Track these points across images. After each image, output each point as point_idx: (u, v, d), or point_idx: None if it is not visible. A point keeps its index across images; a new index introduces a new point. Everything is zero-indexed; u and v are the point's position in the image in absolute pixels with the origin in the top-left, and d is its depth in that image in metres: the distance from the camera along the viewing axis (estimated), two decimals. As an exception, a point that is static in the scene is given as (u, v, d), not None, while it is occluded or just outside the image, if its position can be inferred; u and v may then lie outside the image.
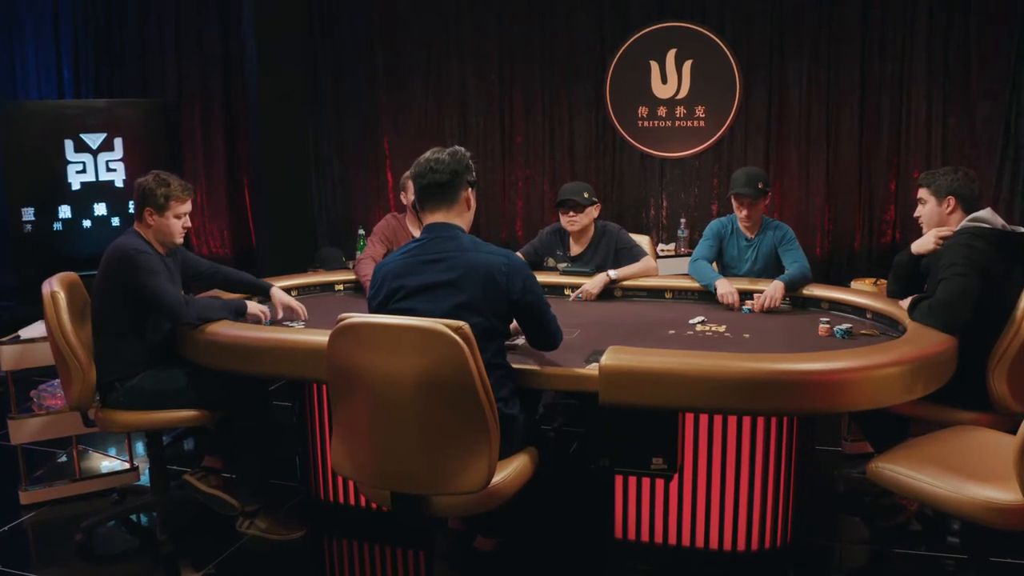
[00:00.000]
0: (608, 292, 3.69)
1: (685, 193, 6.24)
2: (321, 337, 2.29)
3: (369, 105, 6.68)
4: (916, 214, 3.14)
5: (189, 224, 3.14)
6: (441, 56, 6.53)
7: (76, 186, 6.04)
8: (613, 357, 2.38)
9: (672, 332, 3.06)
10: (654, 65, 6.14)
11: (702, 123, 6.14)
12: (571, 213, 3.79)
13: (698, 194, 6.22)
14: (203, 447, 3.78)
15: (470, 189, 2.45)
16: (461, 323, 2.06)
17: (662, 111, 6.19)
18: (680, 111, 6.16)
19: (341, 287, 3.93)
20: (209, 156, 6.99)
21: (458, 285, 2.30)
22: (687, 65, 6.09)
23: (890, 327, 3.02)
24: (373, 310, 2.42)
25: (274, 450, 3.22)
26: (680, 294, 3.64)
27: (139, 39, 7.01)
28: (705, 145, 6.14)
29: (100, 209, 6.13)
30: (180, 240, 3.14)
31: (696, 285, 3.62)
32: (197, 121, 6.96)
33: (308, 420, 3.22)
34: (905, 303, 2.96)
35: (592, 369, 2.44)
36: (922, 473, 2.17)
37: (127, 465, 3.72)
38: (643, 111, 6.21)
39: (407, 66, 6.58)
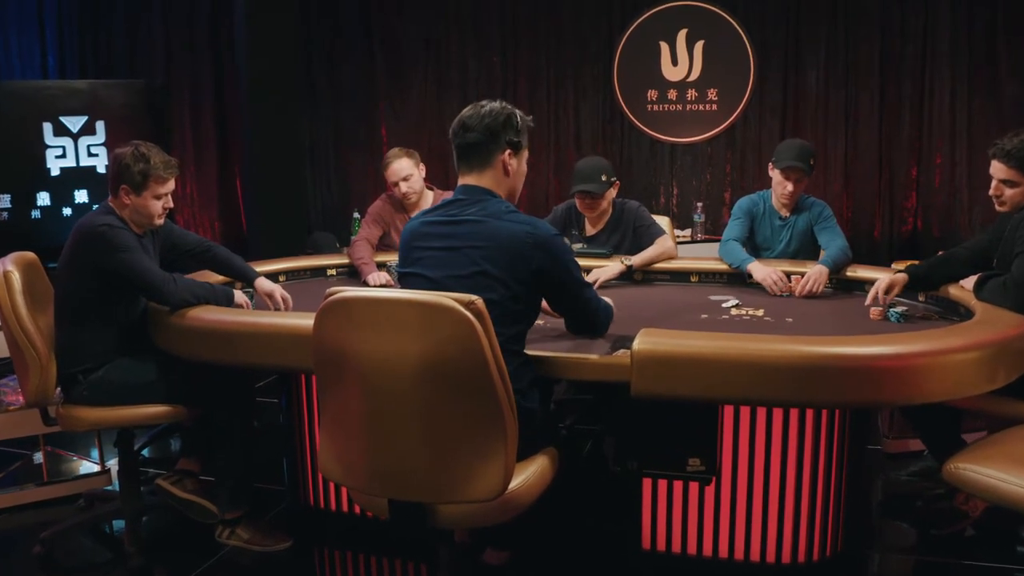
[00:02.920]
0: (627, 276, 3.39)
1: (697, 180, 6.03)
2: (309, 322, 1.98)
3: (366, 90, 6.46)
4: (996, 193, 2.68)
5: (171, 204, 2.84)
6: (441, 38, 6.31)
7: (55, 172, 5.80)
8: (647, 341, 2.07)
9: (705, 316, 2.76)
10: (664, 46, 5.91)
11: (714, 107, 5.93)
12: (587, 200, 3.49)
13: (710, 181, 6.00)
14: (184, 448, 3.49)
15: (509, 151, 2.15)
16: (473, 297, 1.75)
17: (672, 94, 5.96)
18: (691, 94, 5.94)
19: (334, 271, 3.68)
20: (199, 143, 6.75)
21: (478, 252, 2.05)
22: (698, 46, 5.87)
23: (948, 310, 2.71)
24: (400, 277, 2.23)
25: (258, 451, 2.94)
26: (707, 277, 3.33)
27: (126, 22, 6.76)
28: (718, 130, 5.92)
29: (81, 196, 5.88)
30: (160, 222, 2.85)
31: (725, 267, 3.32)
32: (186, 107, 6.72)
33: (296, 417, 2.96)
34: (969, 282, 2.66)
35: (622, 356, 2.13)
36: (1017, 476, 1.86)
37: (97, 467, 3.41)
38: (652, 95, 5.99)
39: (405, 48, 6.36)
